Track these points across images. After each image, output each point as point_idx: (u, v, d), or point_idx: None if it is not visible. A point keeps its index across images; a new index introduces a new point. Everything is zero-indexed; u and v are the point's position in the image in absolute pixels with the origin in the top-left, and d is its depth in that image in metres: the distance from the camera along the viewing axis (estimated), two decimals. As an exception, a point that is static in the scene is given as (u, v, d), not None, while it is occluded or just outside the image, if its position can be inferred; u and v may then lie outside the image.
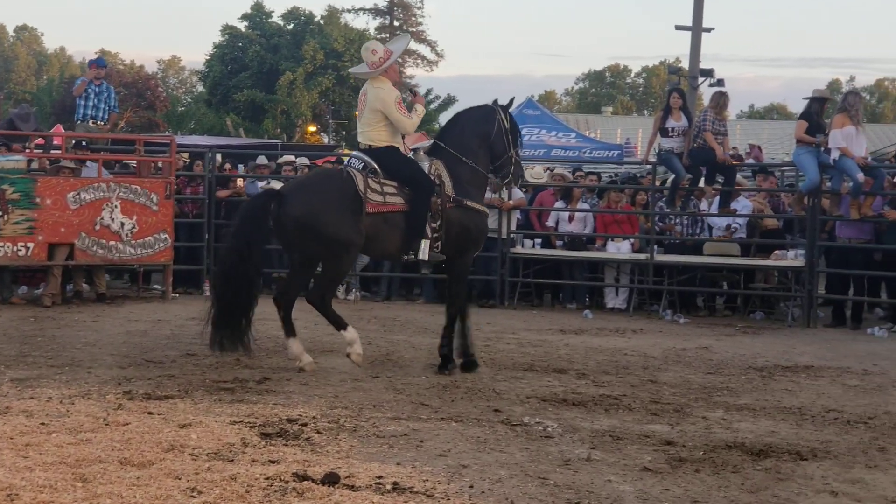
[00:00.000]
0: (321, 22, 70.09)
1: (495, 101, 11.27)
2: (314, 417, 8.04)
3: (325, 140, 65.81)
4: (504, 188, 14.72)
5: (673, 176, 16.84)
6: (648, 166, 17.90)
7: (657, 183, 18.23)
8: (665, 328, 15.19)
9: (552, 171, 18.97)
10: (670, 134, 16.34)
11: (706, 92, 39.71)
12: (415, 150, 11.06)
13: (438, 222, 10.59)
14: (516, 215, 17.69)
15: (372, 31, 75.25)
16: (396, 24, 77.67)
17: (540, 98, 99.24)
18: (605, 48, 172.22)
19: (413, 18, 77.95)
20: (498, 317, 15.63)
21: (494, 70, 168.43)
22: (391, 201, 10.44)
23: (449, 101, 72.96)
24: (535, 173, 18.71)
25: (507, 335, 13.54)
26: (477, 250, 11.32)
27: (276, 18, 69.59)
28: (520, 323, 14.95)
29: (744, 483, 6.63)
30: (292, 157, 19.53)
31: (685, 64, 39.13)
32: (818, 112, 15.71)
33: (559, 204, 17.85)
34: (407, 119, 10.62)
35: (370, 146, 10.63)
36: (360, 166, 10.50)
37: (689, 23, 36.31)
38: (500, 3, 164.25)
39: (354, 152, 10.91)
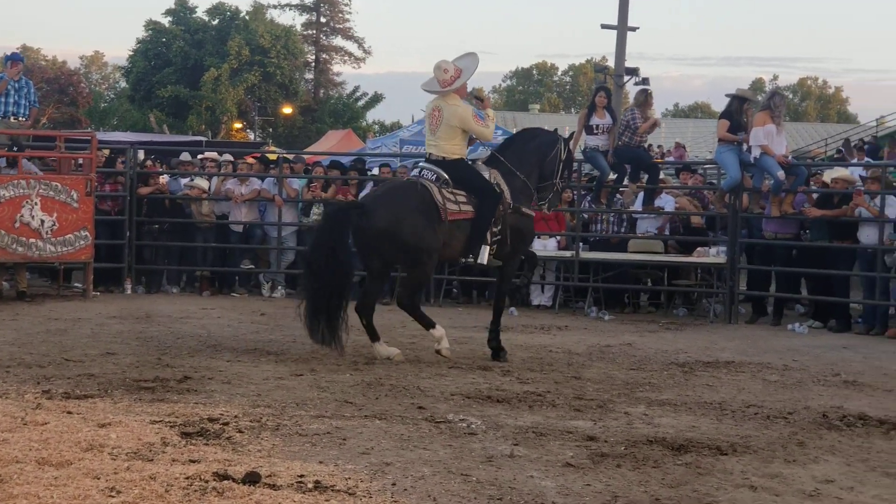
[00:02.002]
0: (247, 18, 69.69)
1: (571, 136, 12.65)
2: (236, 416, 7.98)
3: (251, 137, 65.50)
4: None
5: (598, 173, 16.93)
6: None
7: (583, 180, 18.33)
8: (590, 325, 15.30)
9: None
10: (595, 131, 16.45)
11: (632, 90, 40.13)
12: (474, 161, 11.89)
13: (499, 227, 11.45)
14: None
15: (298, 27, 75.09)
16: (323, 20, 77.40)
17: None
18: (533, 46, 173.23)
19: (339, 15, 77.77)
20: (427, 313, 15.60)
21: (423, 67, 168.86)
22: (464, 209, 11.30)
23: (376, 98, 72.89)
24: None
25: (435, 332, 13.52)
26: (526, 252, 12.32)
27: (200, 14, 69.15)
28: (446, 320, 14.80)
29: (664, 478, 6.70)
30: (216, 154, 19.39)
31: (611, 62, 39.45)
32: (738, 110, 15.91)
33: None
34: (486, 129, 11.59)
35: (443, 158, 11.38)
36: (434, 178, 11.29)
37: (615, 22, 36.62)
38: (427, 1, 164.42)
39: (425, 164, 11.55)
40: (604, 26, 37.43)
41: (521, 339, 13.12)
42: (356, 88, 73.69)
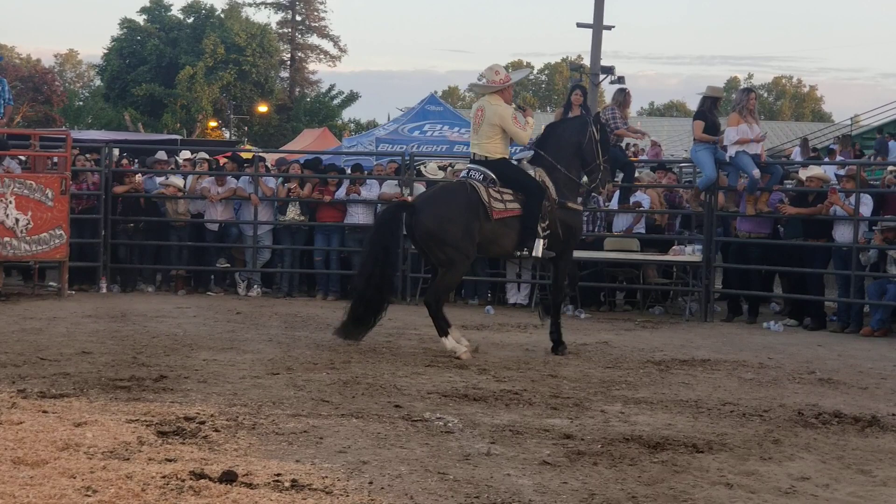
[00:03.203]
0: (222, 16, 69.46)
1: (596, 114, 12.99)
2: (212, 415, 7.97)
3: (227, 135, 65.31)
4: (405, 186, 14.85)
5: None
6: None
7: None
8: (566, 323, 15.17)
9: (452, 167, 18.99)
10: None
11: (608, 89, 40.20)
12: (519, 160, 12.40)
13: (547, 222, 11.89)
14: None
15: (273, 26, 74.91)
16: (298, 18, 77.23)
17: (443, 94, 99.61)
18: (508, 44, 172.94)
19: (315, 13, 77.56)
20: (400, 312, 15.57)
21: (398, 66, 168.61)
22: (510, 207, 11.82)
23: (352, 96, 72.76)
24: (431, 169, 18.75)
25: (409, 331, 13.56)
26: (576, 245, 12.89)
27: (175, 12, 68.84)
28: (422, 319, 14.84)
29: (640, 476, 6.72)
30: (189, 153, 19.33)
31: (587, 61, 39.51)
32: (711, 109, 15.96)
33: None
34: (522, 132, 12.01)
35: (486, 157, 11.90)
36: (481, 177, 11.81)
37: (591, 20, 36.69)
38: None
39: (472, 164, 12.05)
40: (579, 25, 37.47)
41: (498, 338, 13.15)
42: (332, 87, 73.56)
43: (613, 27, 37.94)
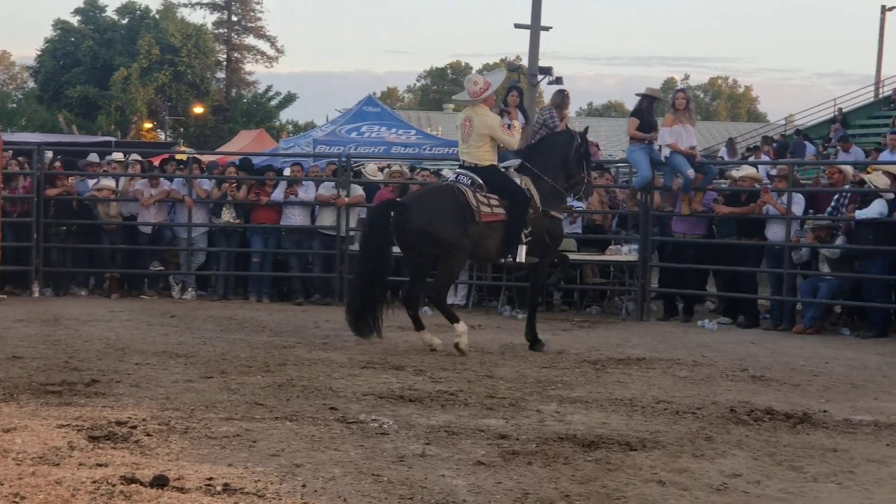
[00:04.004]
0: (157, 16, 68.90)
1: (585, 129, 13.51)
2: (144, 420, 7.90)
3: (162, 137, 64.78)
4: (341, 187, 14.91)
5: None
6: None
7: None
8: (503, 324, 15.37)
9: (389, 167, 18.99)
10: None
11: (546, 90, 40.35)
12: (506, 168, 12.80)
13: (530, 229, 12.41)
14: (357, 212, 17.66)
15: (209, 26, 74.39)
16: (234, 18, 76.77)
17: (382, 95, 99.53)
18: (447, 45, 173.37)
19: (251, 13, 77.08)
20: (337, 314, 15.44)
21: (336, 67, 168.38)
22: (497, 212, 12.29)
23: (290, 97, 72.51)
24: (370, 170, 18.73)
25: (346, 333, 13.41)
26: (556, 253, 13.38)
27: (110, 13, 68.24)
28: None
29: (574, 474, 6.75)
30: (121, 155, 19.15)
31: (526, 62, 39.63)
32: (648, 109, 16.10)
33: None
34: (511, 139, 12.63)
35: (476, 165, 12.39)
36: (469, 182, 12.28)
37: (529, 21, 36.79)
38: (341, 0, 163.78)
39: (460, 170, 12.59)
40: (517, 26, 37.57)
41: (436, 339, 13.12)
42: (269, 88, 73.25)
43: (551, 28, 38.11)
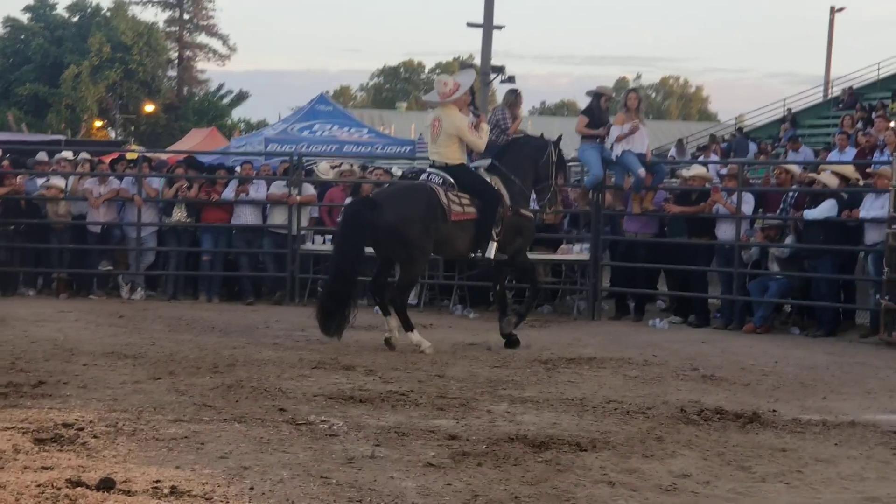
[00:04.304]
0: (108, 14, 68.41)
1: (559, 137, 13.86)
2: (91, 422, 7.81)
3: (112, 135, 64.30)
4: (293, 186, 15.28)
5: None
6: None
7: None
8: (455, 323, 15.37)
9: (340, 166, 18.93)
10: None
11: (499, 88, 40.39)
12: (476, 167, 13.03)
13: (500, 227, 12.63)
14: (308, 211, 17.59)
15: (161, 24, 73.98)
16: (186, 16, 76.36)
17: (335, 93, 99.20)
18: (400, 44, 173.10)
19: (203, 11, 76.75)
20: (288, 314, 15.53)
21: (289, 65, 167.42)
22: (468, 210, 12.51)
23: (242, 95, 72.27)
24: (322, 169, 18.65)
25: (297, 333, 13.47)
26: (527, 250, 13.77)
27: (60, 10, 67.73)
28: (310, 320, 14.67)
29: (524, 475, 6.74)
30: (69, 154, 18.94)
31: (479, 60, 39.67)
32: (598, 107, 16.11)
33: (349, 200, 17.79)
34: (478, 139, 12.75)
35: (446, 164, 12.58)
36: (440, 181, 12.48)
37: (481, 20, 36.83)
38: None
39: (431, 169, 12.76)
40: (469, 25, 37.63)
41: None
42: (221, 86, 73.03)
43: (504, 27, 38.29)
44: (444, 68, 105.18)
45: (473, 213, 12.57)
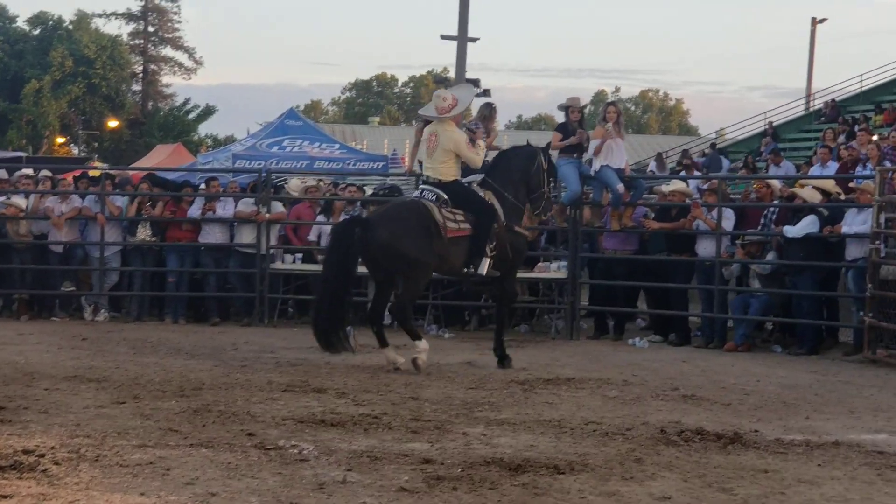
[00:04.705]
0: (70, 27, 68.26)
1: (547, 144, 14.22)
2: (53, 448, 7.76)
3: (75, 152, 64.09)
4: (261, 203, 14.62)
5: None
6: (412, 177, 18.06)
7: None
8: (430, 343, 15.29)
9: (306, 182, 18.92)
10: (431, 144, 16.47)
11: (474, 102, 40.35)
12: (469, 183, 13.13)
13: (494, 243, 12.77)
14: (278, 230, 17.57)
15: (125, 37, 73.87)
16: (151, 29, 76.26)
17: (306, 108, 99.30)
18: (373, 57, 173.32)
19: (168, 24, 76.66)
20: (257, 335, 15.51)
21: (258, 79, 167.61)
22: (462, 227, 12.66)
23: (208, 110, 72.18)
24: (292, 186, 18.64)
25: (266, 355, 13.45)
26: (520, 267, 14.02)
27: (21, 23, 67.50)
28: (279, 341, 14.87)
29: (500, 499, 6.73)
30: (30, 171, 18.87)
31: (453, 73, 39.74)
32: (570, 120, 16.03)
33: (321, 217, 17.82)
34: (476, 156, 12.94)
35: (440, 180, 12.71)
36: (434, 198, 12.59)
37: (456, 32, 36.91)
38: (262, 9, 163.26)
39: (424, 185, 12.88)
40: (443, 37, 37.70)
41: (358, 360, 13.07)
42: (187, 101, 72.91)
43: (478, 39, 38.24)
44: (417, 82, 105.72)
45: (468, 229, 12.72)
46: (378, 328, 12.62)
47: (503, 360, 12.93)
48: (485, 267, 12.78)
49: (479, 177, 13.26)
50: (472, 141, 13.05)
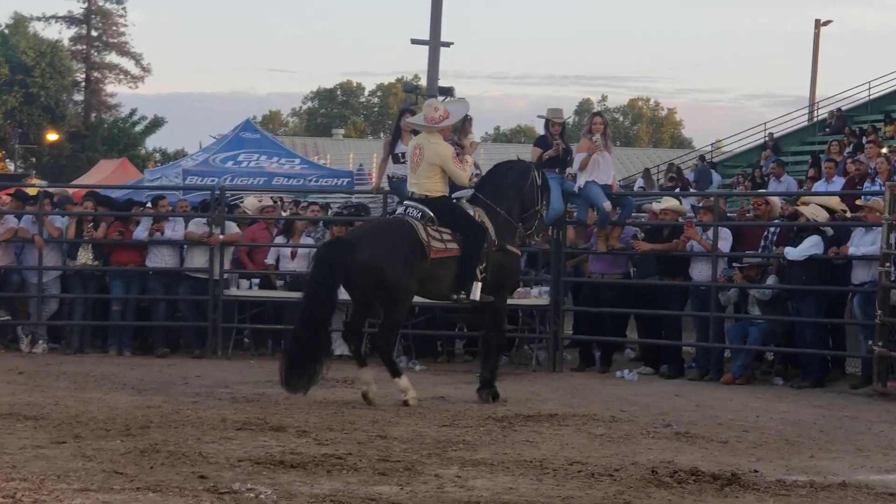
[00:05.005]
0: (6, 31, 68.15)
1: (541, 158, 14.62)
2: (-15, 493, 7.75)
3: (11, 168, 63.84)
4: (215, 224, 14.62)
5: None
6: (380, 195, 18.10)
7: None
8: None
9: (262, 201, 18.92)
10: (402, 160, 16.40)
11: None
12: (457, 199, 13.27)
13: (484, 264, 12.88)
14: (232, 253, 17.55)
15: (66, 42, 73.79)
16: (94, 33, 76.20)
17: (263, 119, 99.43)
18: (337, 64, 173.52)
19: (113, 28, 76.65)
20: (210, 368, 15.49)
21: (211, 87, 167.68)
22: (450, 247, 12.77)
23: (157, 122, 72.15)
24: (249, 204, 18.65)
25: (220, 390, 13.43)
26: (512, 289, 14.47)
27: (-50, 28, 67.35)
28: (234, 375, 14.85)
29: (476, 547, 6.75)
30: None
31: (424, 81, 39.86)
32: (549, 134, 16.06)
33: (279, 239, 17.81)
34: (462, 172, 13.07)
35: (426, 196, 12.86)
36: (419, 215, 12.72)
37: (427, 36, 37.02)
38: (216, 13, 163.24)
39: (409, 202, 13.02)
40: (414, 42, 37.82)
41: (321, 395, 13.06)
42: (133, 111, 72.79)
43: (452, 44, 38.26)
44: (385, 90, 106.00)
45: (456, 249, 12.81)
46: (356, 346, 12.84)
47: (490, 393, 13.01)
48: (476, 291, 12.87)
49: (468, 192, 13.36)
50: (460, 156, 13.19)
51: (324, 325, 12.55)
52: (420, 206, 12.87)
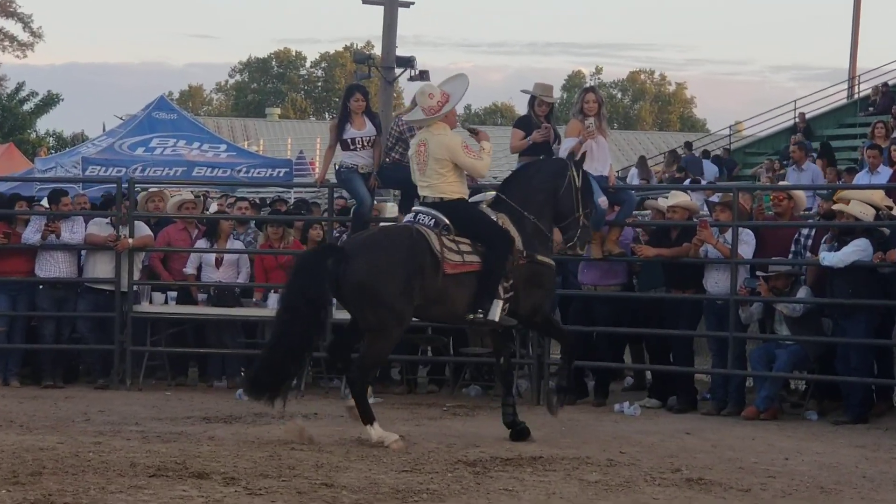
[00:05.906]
0: None
1: (570, 156, 13.95)
2: None
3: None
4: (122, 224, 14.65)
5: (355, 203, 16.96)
6: (325, 189, 18.08)
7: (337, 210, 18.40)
8: (349, 411, 15.32)
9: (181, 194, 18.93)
10: (352, 146, 16.40)
11: (407, 87, 40.54)
12: (476, 203, 13.51)
13: (511, 281, 12.90)
14: (142, 259, 17.52)
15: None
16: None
17: (181, 96, 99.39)
18: (271, 28, 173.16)
19: (-3, -16, 76.41)
20: (115, 402, 15.46)
21: (117, 57, 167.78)
22: (469, 260, 12.83)
23: (51, 100, 71.86)
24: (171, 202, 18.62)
25: (129, 428, 13.41)
26: (550, 305, 14.50)
27: None
28: (146, 410, 14.83)
29: None
30: None
31: (378, 50, 39.88)
32: (534, 115, 16.07)
33: (201, 243, 17.77)
34: (478, 161, 13.14)
35: (441, 199, 12.95)
36: (432, 222, 12.79)
37: (382, -5, 37.13)
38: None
39: (420, 207, 13.17)
40: (366, 1, 37.85)
41: (254, 433, 13.10)
42: (21, 86, 72.49)
43: (413, 3, 38.33)
44: (331, 60, 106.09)
45: (476, 262, 12.85)
46: (344, 364, 13.02)
47: (564, 400, 13.78)
48: (497, 312, 12.84)
49: (489, 195, 13.51)
50: (476, 144, 13.21)
51: (300, 345, 12.64)
52: (433, 212, 12.92)
